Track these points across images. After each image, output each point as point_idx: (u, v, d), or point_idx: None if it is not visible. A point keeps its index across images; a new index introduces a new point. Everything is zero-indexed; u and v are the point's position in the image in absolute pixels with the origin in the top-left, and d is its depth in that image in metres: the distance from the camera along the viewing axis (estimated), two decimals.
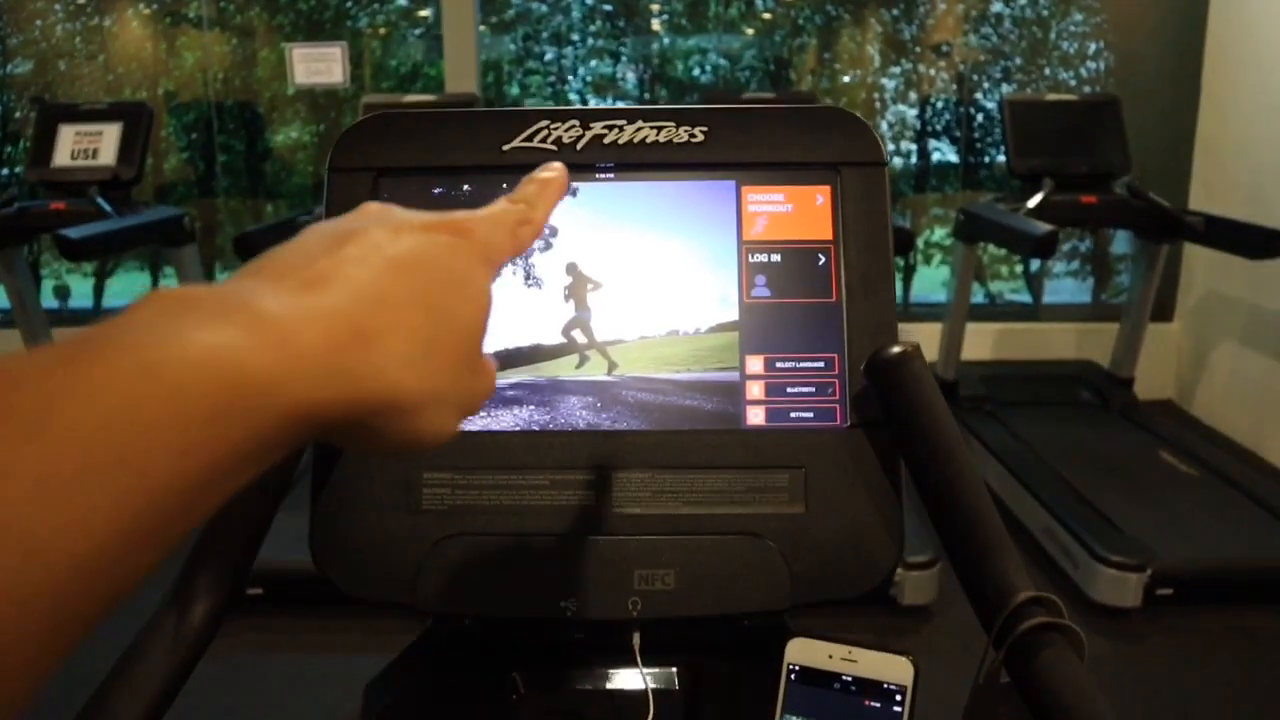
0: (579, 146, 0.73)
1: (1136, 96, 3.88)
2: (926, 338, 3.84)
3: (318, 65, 4.01)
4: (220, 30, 4.51)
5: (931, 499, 0.64)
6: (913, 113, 4.46)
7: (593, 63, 4.67)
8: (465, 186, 0.74)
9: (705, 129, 0.74)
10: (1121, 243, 4.43)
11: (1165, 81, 4.05)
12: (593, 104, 4.73)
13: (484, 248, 0.43)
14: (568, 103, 4.75)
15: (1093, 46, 4.28)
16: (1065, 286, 4.62)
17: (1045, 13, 4.27)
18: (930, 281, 4.53)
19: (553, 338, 0.72)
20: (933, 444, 0.63)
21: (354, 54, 4.33)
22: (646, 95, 4.65)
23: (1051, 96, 3.63)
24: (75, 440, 0.27)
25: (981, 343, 4.06)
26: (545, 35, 4.61)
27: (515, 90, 4.77)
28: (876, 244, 0.72)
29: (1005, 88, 4.36)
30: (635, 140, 0.73)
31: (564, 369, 0.72)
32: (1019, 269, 4.57)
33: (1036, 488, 2.92)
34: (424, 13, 4.62)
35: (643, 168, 0.74)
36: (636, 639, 0.68)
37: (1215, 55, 3.92)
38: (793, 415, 0.70)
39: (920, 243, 4.53)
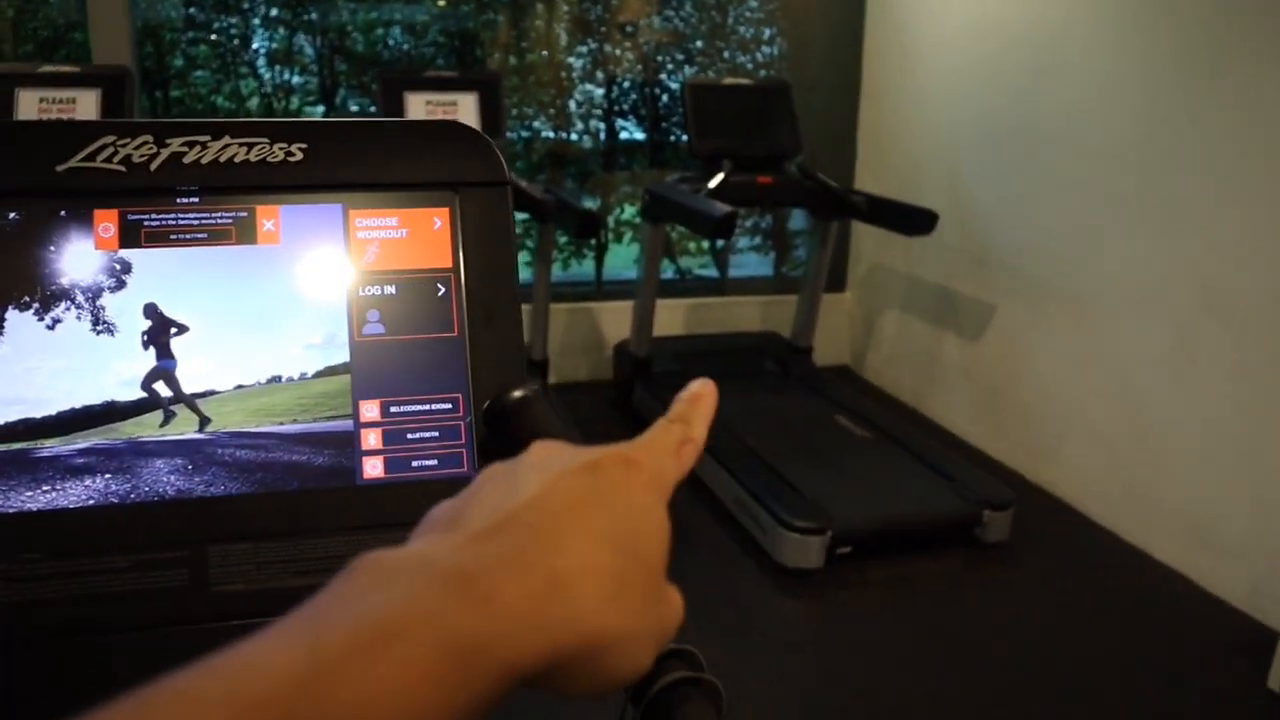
0: (153, 166, 0.63)
1: (806, 82, 4.10)
2: (620, 316, 3.89)
3: None
4: None
5: None
6: (600, 91, 4.49)
7: (270, 32, 4.36)
8: (12, 214, 0.62)
9: (304, 146, 0.65)
10: (799, 219, 4.68)
11: (831, 69, 4.29)
12: (268, 78, 4.44)
13: (654, 477, 0.43)
14: (239, 75, 4.43)
15: (767, 32, 4.47)
16: (749, 261, 4.82)
17: None
18: (622, 259, 4.60)
19: (130, 392, 0.62)
20: None
21: None
22: (325, 70, 4.41)
23: (729, 80, 3.76)
24: None
25: (673, 319, 4.17)
26: (212, 1, 4.26)
27: (180, 62, 4.39)
28: (500, 271, 0.67)
29: (688, 69, 4.47)
30: (222, 159, 0.64)
31: (146, 428, 0.62)
32: (706, 245, 4.73)
33: (726, 459, 3.04)
34: None
35: (233, 191, 0.65)
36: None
37: (872, 48, 4.20)
38: (415, 464, 0.64)
39: (611, 220, 4.58)
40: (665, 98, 4.53)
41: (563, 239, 4.37)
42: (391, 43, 4.42)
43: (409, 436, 0.64)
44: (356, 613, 0.31)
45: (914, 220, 3.27)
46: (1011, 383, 3.41)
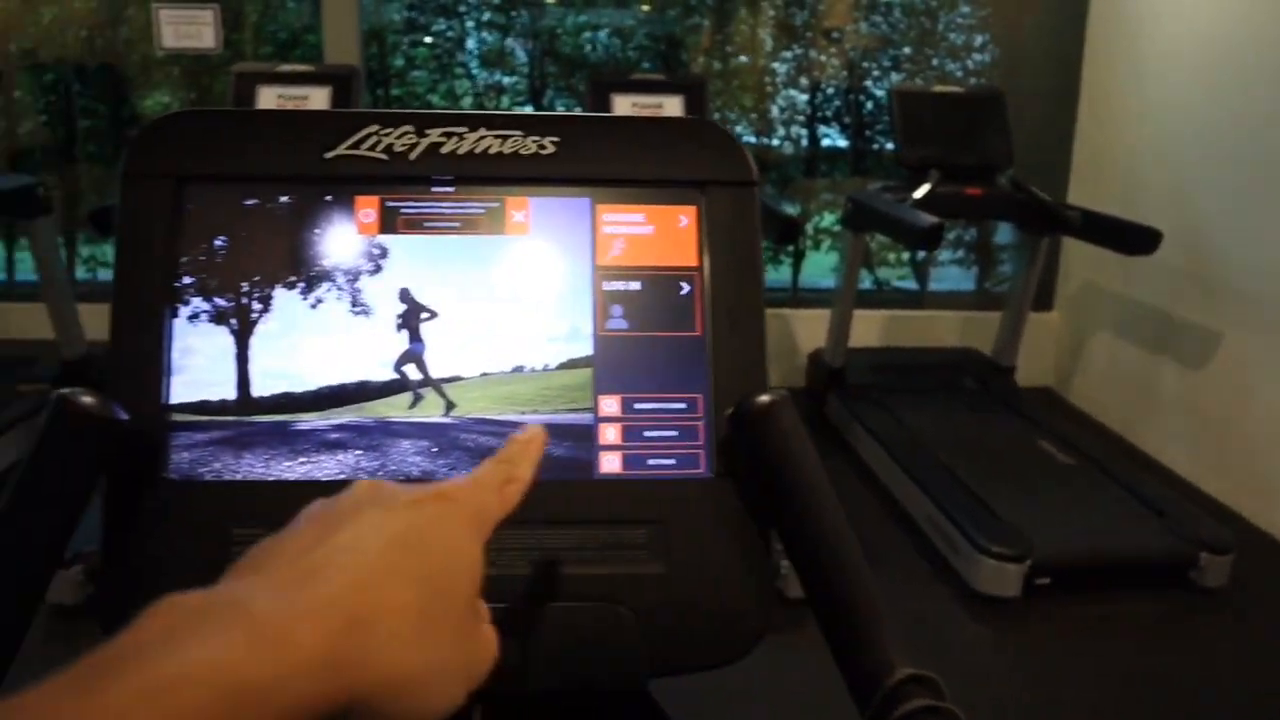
0: (413, 156, 0.65)
1: (1020, 91, 3.93)
2: (816, 324, 3.84)
3: (187, 28, 3.79)
4: None
5: (801, 562, 0.57)
6: (803, 97, 4.44)
7: (484, 35, 4.52)
8: (283, 198, 0.65)
9: (556, 139, 0.66)
10: (1004, 233, 4.50)
11: (1047, 78, 4.11)
12: (482, 80, 4.59)
13: (474, 514, 0.44)
14: (453, 75, 4.60)
15: (979, 39, 4.32)
16: (951, 274, 4.67)
17: (934, 3, 4.29)
18: (819, 267, 4.53)
19: (383, 373, 0.64)
20: (803, 503, 0.57)
21: (232, 17, 4.10)
22: (535, 72, 4.53)
23: (939, 88, 3.65)
24: None
25: (869, 330, 4.08)
26: (432, 5, 4.45)
27: (400, 62, 4.60)
28: (746, 272, 0.65)
29: (894, 76, 4.37)
30: (477, 151, 0.65)
31: (396, 409, 0.64)
32: (906, 256, 4.61)
33: (920, 477, 2.94)
34: None
35: (486, 181, 0.66)
36: (478, 715, 0.60)
37: (1094, 57, 3.99)
38: (651, 462, 0.63)
39: (810, 228, 4.52)
40: (869, 105, 4.45)
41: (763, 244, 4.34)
42: (598, 46, 4.50)
43: (647, 434, 0.64)
44: (146, 657, 0.32)
45: (1135, 238, 3.09)
46: (1237, 417, 3.16)
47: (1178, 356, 3.47)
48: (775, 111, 4.44)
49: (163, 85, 4.46)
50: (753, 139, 4.44)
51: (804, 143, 4.48)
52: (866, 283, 4.52)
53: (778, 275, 4.57)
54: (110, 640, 0.33)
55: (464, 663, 0.42)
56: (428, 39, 4.53)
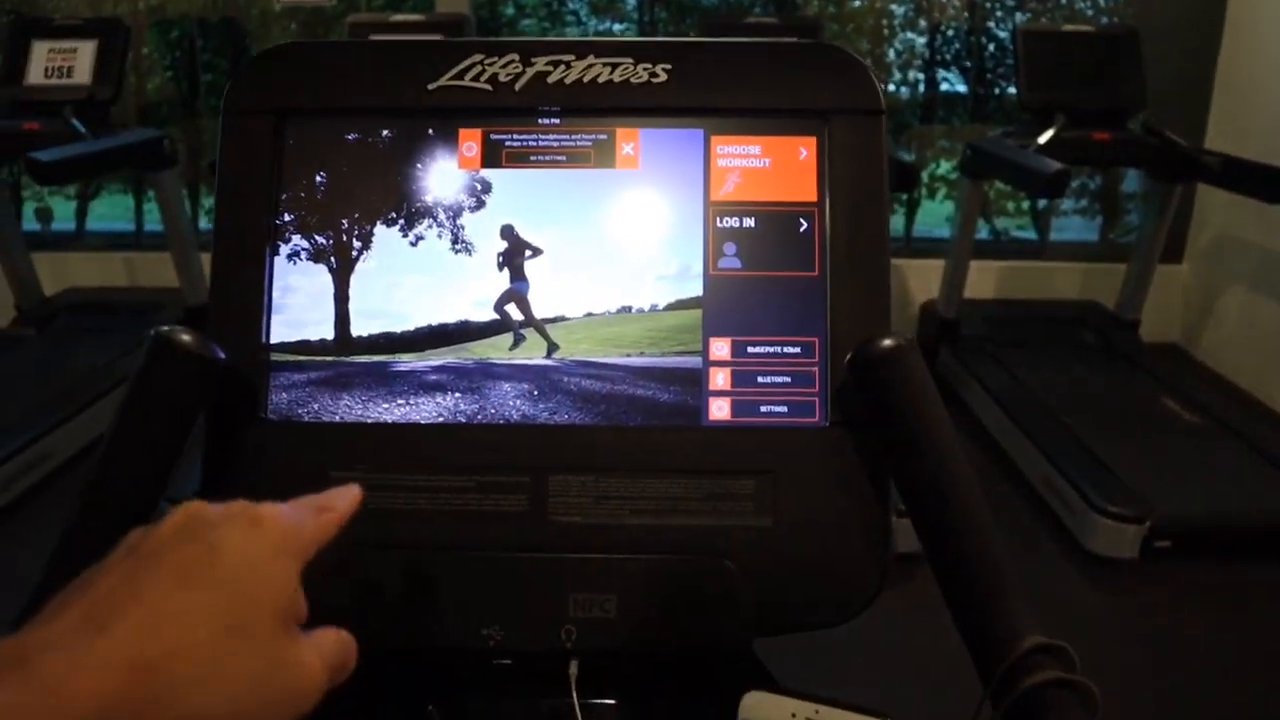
0: (518, 86, 0.62)
1: (1156, 29, 3.71)
2: (928, 275, 3.73)
3: None
4: None
5: (922, 522, 0.53)
6: (921, 40, 4.28)
7: None
8: (385, 132, 0.63)
9: (668, 67, 0.62)
10: (1131, 180, 4.30)
11: (1186, 13, 3.87)
12: (592, 27, 4.55)
13: (284, 536, 0.43)
14: (563, 23, 4.58)
15: None
16: (1073, 224, 4.49)
17: None
18: (934, 216, 4.40)
19: (484, 313, 0.62)
20: (927, 457, 0.53)
21: None
22: (646, 18, 4.47)
23: (1067, 27, 3.47)
24: None
25: (985, 281, 3.95)
26: None
27: (510, 11, 4.59)
28: (870, 209, 0.61)
29: (1019, 16, 4.18)
30: (585, 80, 0.62)
31: (497, 350, 0.62)
32: (1025, 205, 4.44)
33: (1035, 434, 2.85)
34: None
35: (594, 113, 0.63)
36: (574, 668, 0.58)
37: None
38: (763, 410, 0.60)
39: (925, 176, 4.39)
40: (992, 47, 4.27)
41: None
42: None
43: (759, 380, 0.60)
44: None
45: None
46: None
47: None
48: (892, 55, 4.30)
49: (281, 39, 4.53)
50: None
51: (921, 88, 4.34)
52: (984, 232, 4.37)
53: (893, 224, 4.45)
54: None
55: (279, 690, 0.40)
56: None
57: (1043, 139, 3.09)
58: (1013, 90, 3.74)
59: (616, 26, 4.56)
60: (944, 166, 4.38)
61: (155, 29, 4.41)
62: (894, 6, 4.24)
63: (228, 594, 0.40)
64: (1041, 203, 4.33)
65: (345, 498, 0.49)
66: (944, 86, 4.36)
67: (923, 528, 0.54)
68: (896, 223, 4.39)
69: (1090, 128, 3.19)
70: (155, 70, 4.49)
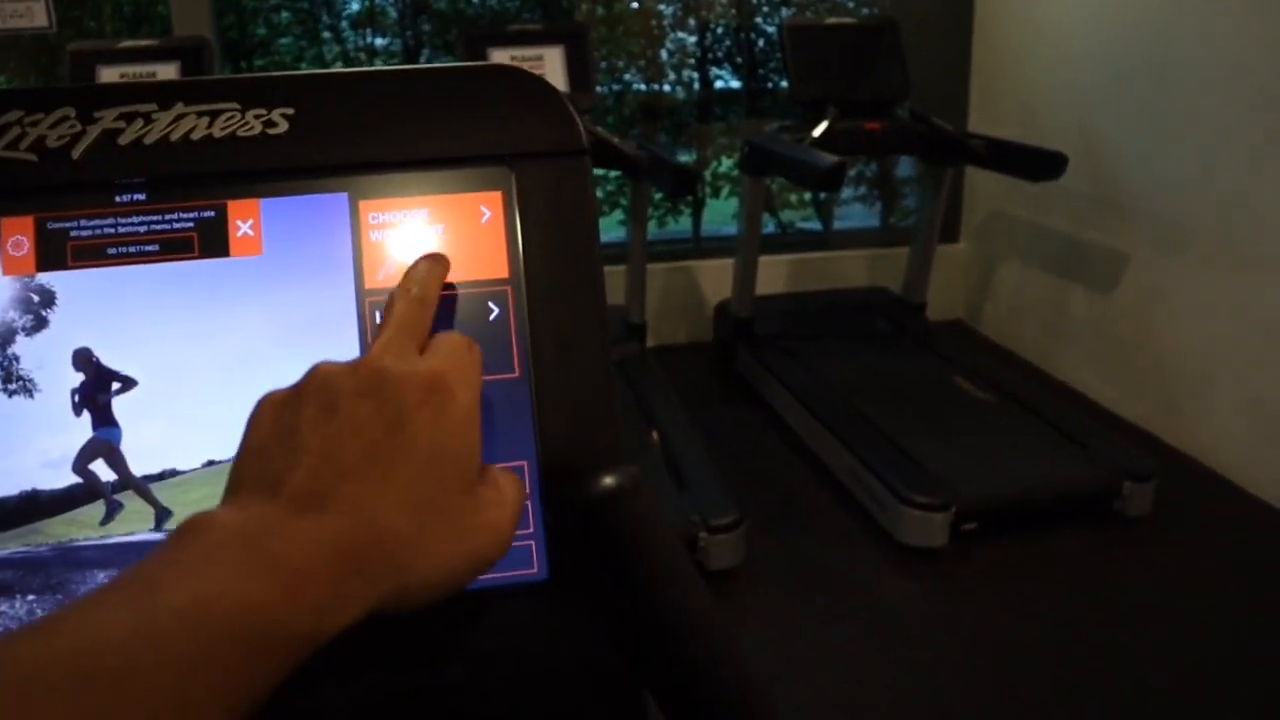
0: (76, 154, 0.44)
1: (913, 19, 3.78)
2: (720, 274, 3.69)
3: (14, 6, 3.45)
4: None
5: (674, 711, 0.40)
6: (692, 40, 4.25)
7: None
8: None
9: (289, 111, 0.46)
10: (906, 166, 4.39)
11: (939, 4, 3.97)
12: (352, 42, 4.30)
13: (471, 407, 0.42)
14: (321, 41, 4.30)
15: None
16: (854, 212, 4.55)
17: None
18: (721, 213, 4.37)
19: (58, 476, 0.44)
20: (666, 636, 0.39)
21: None
22: (409, 31, 4.25)
23: (830, 20, 3.48)
24: (136, 689, 0.31)
25: (776, 275, 3.95)
26: None
27: (263, 30, 4.29)
28: (580, 282, 0.46)
29: (784, 11, 4.20)
30: (176, 138, 0.45)
31: (82, 527, 0.44)
32: (808, 197, 4.47)
33: (837, 428, 2.84)
34: None
35: (195, 181, 0.46)
36: None
37: None
38: None
39: (708, 174, 4.35)
40: (761, 42, 4.28)
41: (658, 196, 4.16)
42: (476, 0, 4.24)
43: None
44: (182, 587, 0.34)
45: (1041, 164, 2.99)
46: (1148, 338, 3.10)
47: (1087, 281, 3.40)
48: (665, 56, 4.24)
49: (2, 69, 4.10)
50: (643, 86, 4.24)
51: (696, 86, 4.30)
52: (770, 227, 4.38)
53: (678, 226, 4.40)
54: (156, 552, 0.35)
55: (477, 547, 0.41)
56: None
57: (816, 132, 3.08)
58: (785, 84, 3.75)
59: (379, 41, 4.33)
60: (726, 164, 4.35)
61: None
62: (662, 6, 4.18)
63: (424, 484, 0.39)
64: (823, 194, 4.37)
65: (435, 280, 0.46)
66: (719, 84, 4.34)
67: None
68: (684, 225, 4.35)
69: (861, 118, 3.21)
70: None
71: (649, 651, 0.39)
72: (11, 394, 0.43)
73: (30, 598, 0.42)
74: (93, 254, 0.45)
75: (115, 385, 0.44)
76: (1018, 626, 2.19)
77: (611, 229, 4.19)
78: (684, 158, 4.15)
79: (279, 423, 0.40)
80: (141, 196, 0.45)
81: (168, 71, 3.10)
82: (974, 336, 4.04)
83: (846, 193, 4.47)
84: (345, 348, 0.46)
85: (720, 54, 4.30)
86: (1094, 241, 3.33)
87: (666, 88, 4.28)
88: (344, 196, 0.47)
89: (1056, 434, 2.78)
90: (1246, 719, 1.90)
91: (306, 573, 0.35)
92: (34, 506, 0.43)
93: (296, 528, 0.37)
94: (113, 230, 0.45)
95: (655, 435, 2.72)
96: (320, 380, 0.41)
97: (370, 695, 0.43)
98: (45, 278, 0.44)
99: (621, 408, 0.46)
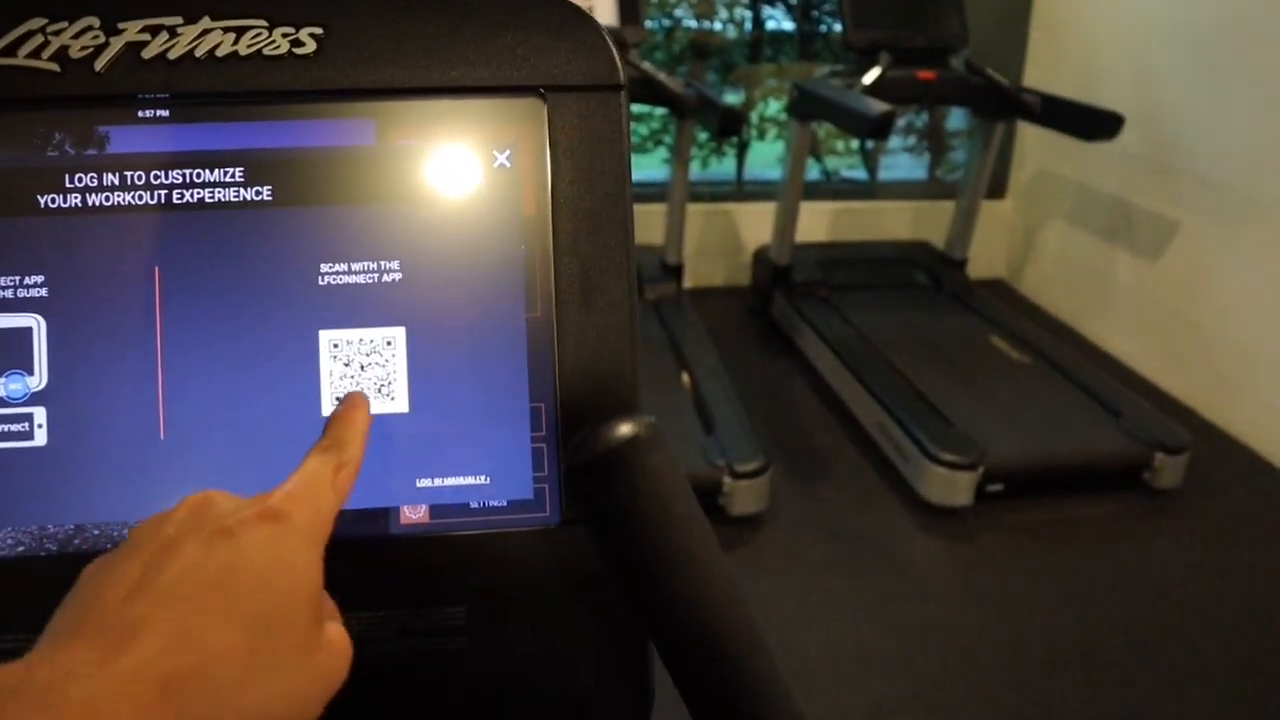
0: (100, 66, 0.43)
1: None
2: (761, 219, 3.65)
3: None
4: None
5: (678, 663, 0.39)
6: None
7: None
8: None
9: (319, 31, 0.45)
10: (957, 118, 4.30)
11: None
12: None
13: (308, 526, 0.40)
14: None
15: None
16: (901, 163, 4.48)
17: None
18: (765, 157, 4.31)
19: None
20: (674, 589, 0.38)
21: None
22: None
23: None
24: None
25: (817, 223, 3.90)
26: None
27: None
28: (610, 221, 0.45)
29: None
30: (200, 54, 0.44)
31: None
32: (855, 145, 4.40)
33: (869, 380, 2.83)
34: None
35: (220, 99, 0.45)
36: None
37: None
38: (474, 504, 0.45)
39: (754, 116, 4.29)
40: None
41: (703, 136, 4.10)
42: None
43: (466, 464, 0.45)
44: None
45: (1095, 123, 2.92)
46: (1193, 309, 3.04)
47: (1133, 247, 3.33)
48: None
49: None
50: (693, 23, 4.17)
51: (748, 26, 4.22)
52: (814, 173, 4.32)
53: (722, 168, 4.34)
54: None
55: (312, 679, 0.38)
56: None
57: (868, 79, 3.02)
58: (838, 26, 3.66)
59: None
60: (774, 107, 4.28)
61: None
62: None
63: (261, 598, 0.37)
64: (870, 142, 4.30)
65: (355, 434, 0.44)
66: (770, 24, 4.25)
67: (680, 672, 0.39)
68: (728, 167, 4.29)
69: (914, 66, 3.13)
70: None
71: (654, 601, 0.39)
72: None
73: None
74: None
75: None
76: (1036, 591, 2.18)
77: (655, 167, 4.14)
78: (731, 98, 4.08)
79: (99, 571, 0.38)
80: (165, 113, 0.44)
81: None
82: (1014, 296, 3.98)
83: (894, 142, 4.39)
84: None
85: None
86: (1144, 206, 3.26)
87: (718, 25, 4.20)
88: (371, 123, 0.46)
89: (1090, 400, 2.76)
90: (1264, 697, 1.90)
91: (104, 709, 0.32)
92: None
93: (97, 663, 0.34)
94: None
95: (686, 378, 2.72)
96: (143, 525, 0.39)
97: (378, 632, 0.43)
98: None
99: (654, 349, 0.45)
